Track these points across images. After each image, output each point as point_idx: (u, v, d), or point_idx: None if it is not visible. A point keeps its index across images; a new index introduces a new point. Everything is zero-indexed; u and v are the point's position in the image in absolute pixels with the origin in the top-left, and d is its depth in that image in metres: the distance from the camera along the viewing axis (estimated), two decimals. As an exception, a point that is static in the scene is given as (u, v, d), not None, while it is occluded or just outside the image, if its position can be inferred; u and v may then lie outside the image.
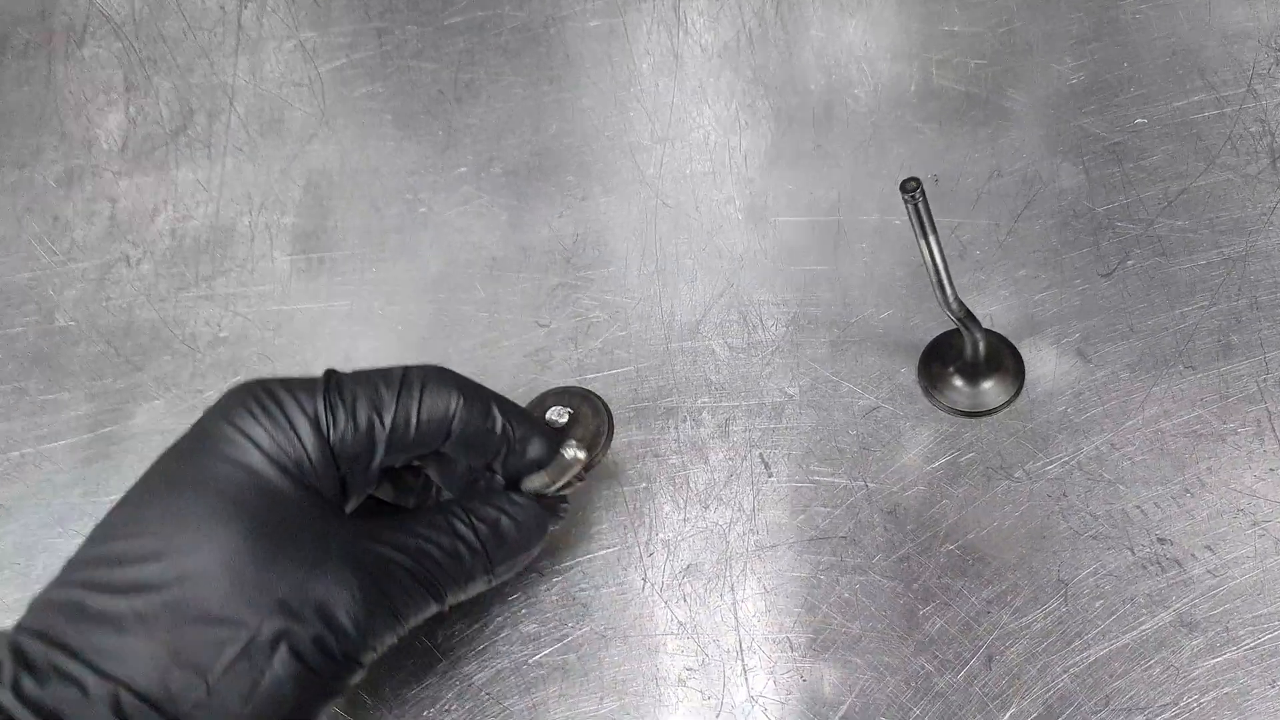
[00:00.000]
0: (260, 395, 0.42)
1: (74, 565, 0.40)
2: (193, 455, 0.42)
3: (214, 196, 0.69)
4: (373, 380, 0.45)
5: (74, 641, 0.38)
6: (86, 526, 0.41)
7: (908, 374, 0.56)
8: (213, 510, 0.40)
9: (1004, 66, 0.65)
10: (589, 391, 0.58)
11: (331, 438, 0.43)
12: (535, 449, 0.48)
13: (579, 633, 0.52)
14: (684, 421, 0.57)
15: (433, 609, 0.45)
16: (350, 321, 0.63)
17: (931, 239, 0.46)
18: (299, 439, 0.42)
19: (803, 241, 0.61)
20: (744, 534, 0.53)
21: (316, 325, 0.63)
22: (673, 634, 0.51)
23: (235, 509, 0.40)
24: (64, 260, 0.68)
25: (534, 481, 0.48)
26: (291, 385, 0.43)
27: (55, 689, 0.36)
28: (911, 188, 0.44)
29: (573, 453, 0.48)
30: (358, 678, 0.42)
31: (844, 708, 0.48)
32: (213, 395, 0.44)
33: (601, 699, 0.50)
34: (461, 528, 0.45)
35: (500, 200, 0.66)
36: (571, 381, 0.59)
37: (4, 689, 0.36)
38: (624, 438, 0.57)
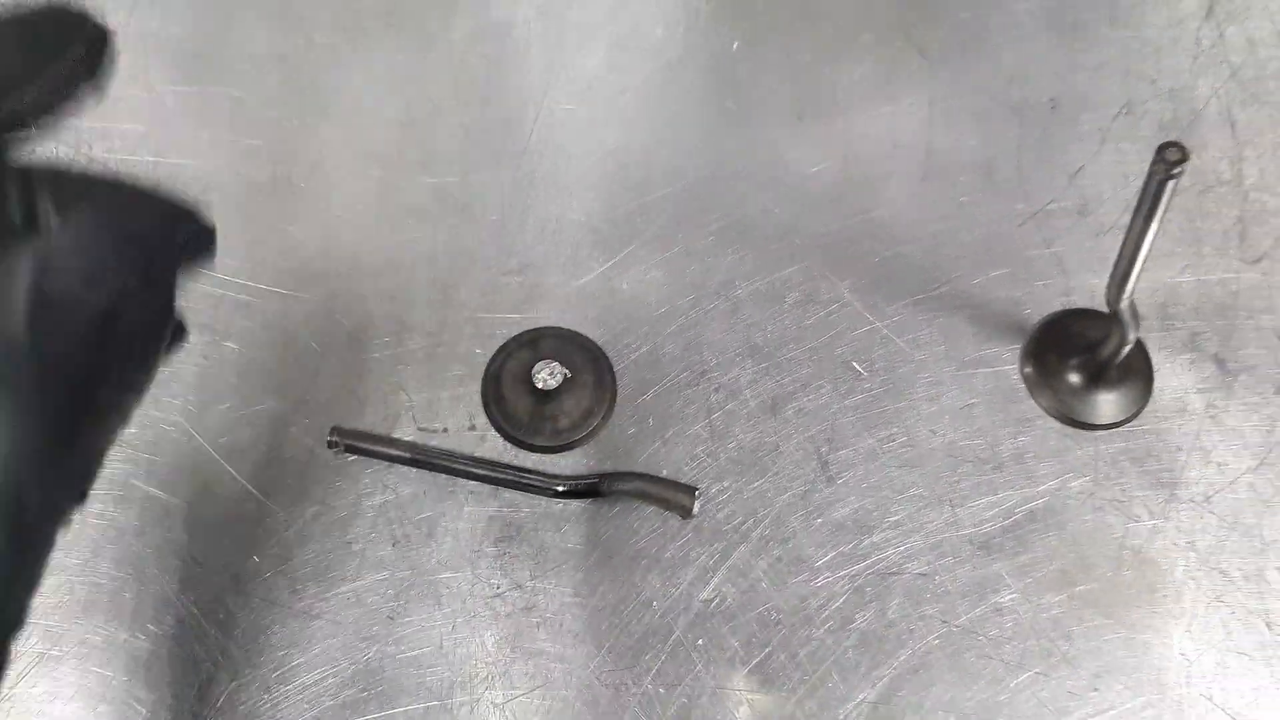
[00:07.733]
0: None
1: None
2: None
3: (62, -19, 0.49)
4: None
5: None
6: None
7: (1010, 360, 0.44)
8: None
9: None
10: (591, 342, 0.44)
11: None
12: None
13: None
14: (716, 392, 0.43)
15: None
16: (265, 195, 0.45)
17: (1155, 225, 0.33)
18: None
19: (882, 168, 0.47)
20: (783, 564, 0.41)
21: (207, 190, 0.46)
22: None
23: None
24: None
25: None
26: None
27: None
28: (1174, 158, 0.30)
29: None
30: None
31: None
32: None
33: None
34: None
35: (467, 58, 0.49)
36: (570, 316, 0.44)
37: None
38: (632, 409, 0.43)
